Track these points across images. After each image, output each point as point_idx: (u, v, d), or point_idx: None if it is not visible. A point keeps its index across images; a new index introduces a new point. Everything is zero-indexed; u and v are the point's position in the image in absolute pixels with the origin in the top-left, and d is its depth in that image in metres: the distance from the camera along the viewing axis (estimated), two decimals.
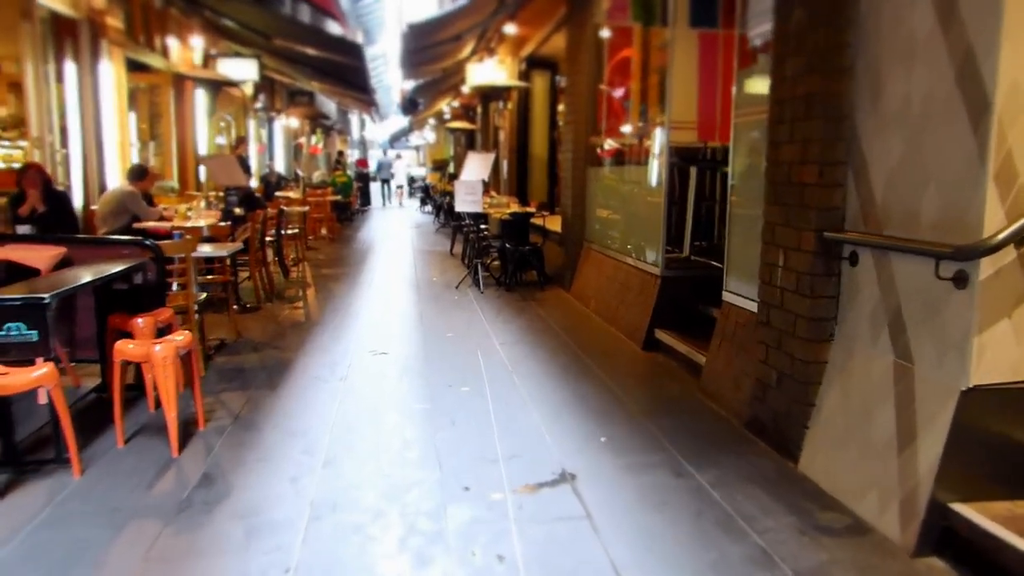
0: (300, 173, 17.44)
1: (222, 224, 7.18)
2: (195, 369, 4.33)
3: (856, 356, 3.23)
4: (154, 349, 3.93)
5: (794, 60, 3.57)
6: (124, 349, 4.05)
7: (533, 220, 9.15)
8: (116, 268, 4.73)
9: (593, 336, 6.57)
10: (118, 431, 4.09)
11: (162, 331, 4.89)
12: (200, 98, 13.67)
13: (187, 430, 4.25)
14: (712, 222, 7.04)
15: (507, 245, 8.86)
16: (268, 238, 10.12)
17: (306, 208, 12.26)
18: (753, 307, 4.18)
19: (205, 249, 5.81)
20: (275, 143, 21.70)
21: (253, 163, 18.45)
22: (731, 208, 4.72)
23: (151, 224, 8.05)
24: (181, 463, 3.83)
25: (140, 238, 5.30)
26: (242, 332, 6.69)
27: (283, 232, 10.66)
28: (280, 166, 21.11)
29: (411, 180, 34.22)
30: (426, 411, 4.54)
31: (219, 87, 12.20)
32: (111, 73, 9.28)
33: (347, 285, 9.47)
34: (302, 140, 21.79)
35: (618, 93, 7.47)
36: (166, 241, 5.43)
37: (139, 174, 8.33)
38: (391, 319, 7.42)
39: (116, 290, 5.18)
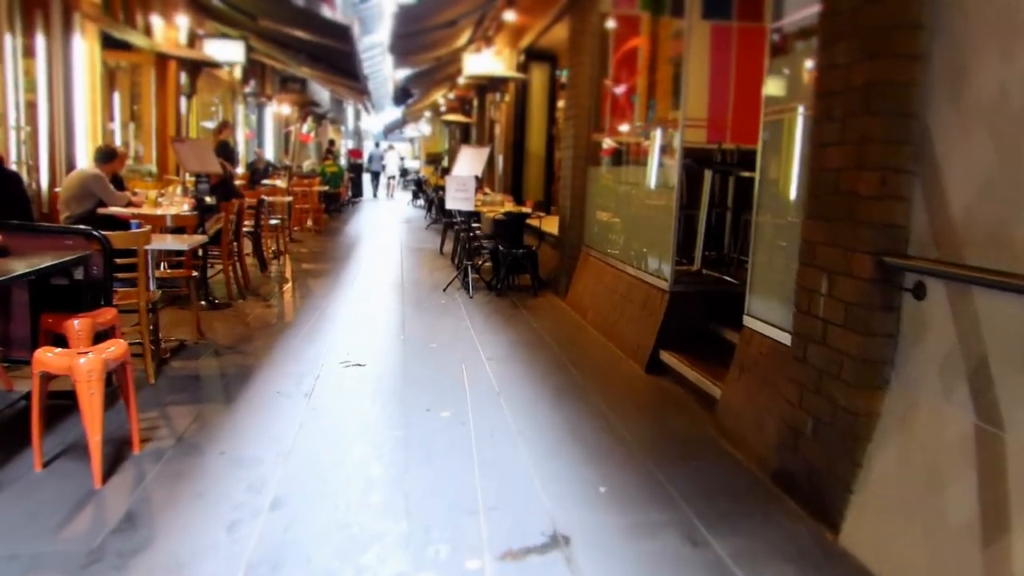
0: (286, 162, 16.77)
1: (188, 213, 6.56)
2: (129, 384, 3.72)
3: (921, 411, 2.64)
4: (77, 361, 3.32)
5: (848, 43, 2.97)
6: (43, 359, 3.43)
7: (528, 221, 8.56)
8: (52, 261, 4.15)
9: (590, 353, 5.98)
10: (35, 452, 3.49)
11: (103, 335, 4.30)
12: (184, 80, 13.05)
13: (120, 452, 3.65)
14: (723, 231, 6.48)
15: (500, 247, 8.26)
16: (246, 229, 9.53)
17: (289, 198, 11.62)
18: (781, 336, 3.60)
19: (162, 242, 5.19)
20: (265, 130, 21.04)
21: (240, 149, 17.87)
22: (757, 219, 4.13)
23: (117, 210, 7.43)
24: (103, 497, 3.22)
25: (87, 228, 4.68)
26: (205, 333, 6.08)
27: (262, 223, 10.06)
28: (270, 154, 20.46)
29: (404, 172, 33.61)
30: (399, 439, 3.94)
31: (199, 68, 11.52)
32: (84, 49, 8.64)
33: (327, 283, 8.85)
34: (292, 128, 21.13)
35: (623, 87, 6.89)
36: (116, 232, 4.82)
37: (106, 156, 7.69)
38: (371, 324, 6.81)
39: (55, 285, 4.60)
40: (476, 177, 8.31)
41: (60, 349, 3.56)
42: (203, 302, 7.22)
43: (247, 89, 17.79)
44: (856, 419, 2.85)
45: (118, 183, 8.15)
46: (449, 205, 8.21)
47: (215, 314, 6.89)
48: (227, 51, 12.56)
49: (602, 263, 6.92)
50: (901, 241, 2.77)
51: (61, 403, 3.89)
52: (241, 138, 17.41)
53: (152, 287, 5.47)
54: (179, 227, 7.81)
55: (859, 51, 2.90)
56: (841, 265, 2.97)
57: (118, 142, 11.87)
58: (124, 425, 3.77)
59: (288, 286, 8.64)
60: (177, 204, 8.04)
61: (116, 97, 12.23)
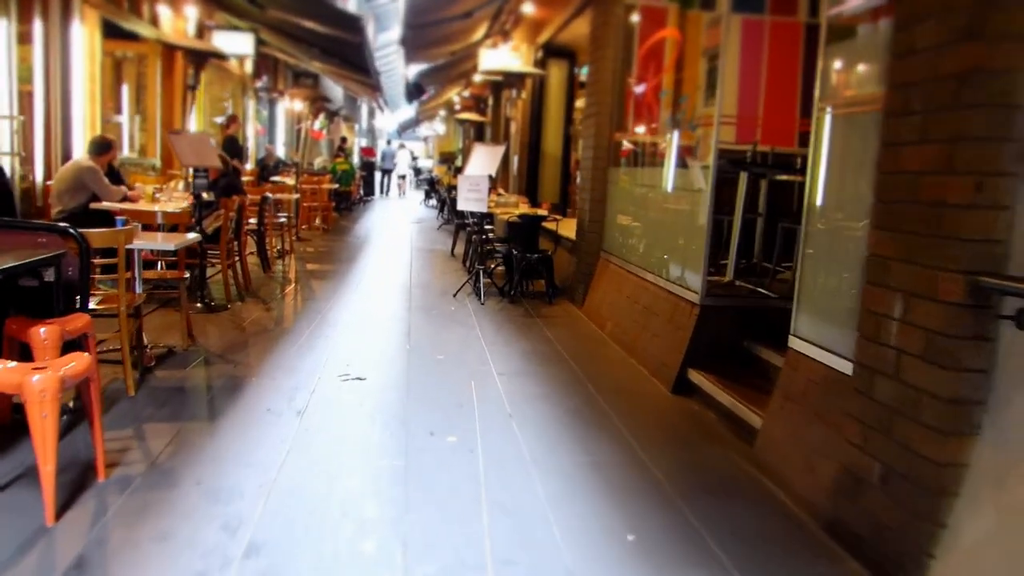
0: (295, 159, 16.39)
1: (179, 210, 6.15)
2: (94, 403, 3.30)
3: None
4: (29, 379, 2.90)
5: (935, 24, 2.51)
6: None
7: (544, 224, 8.12)
8: (17, 261, 3.74)
9: (610, 369, 5.53)
10: None
11: (75, 344, 3.89)
12: (189, 72, 12.68)
13: (83, 479, 3.23)
14: (754, 239, 6.02)
15: (513, 251, 7.82)
16: (249, 227, 9.13)
17: (296, 196, 11.22)
18: (839, 363, 3.13)
19: (146, 241, 4.77)
20: (277, 126, 20.69)
21: (250, 145, 17.51)
22: (807, 227, 3.65)
23: (111, 205, 7.04)
24: (53, 536, 2.80)
25: (63, 224, 4.28)
26: (197, 338, 5.68)
27: (267, 221, 9.66)
28: (281, 150, 20.10)
29: (417, 172, 33.22)
30: (398, 471, 3.49)
31: (204, 60, 11.13)
32: (83, 36, 8.26)
33: (332, 285, 8.43)
34: (304, 124, 20.77)
35: (648, 85, 6.44)
36: (95, 230, 4.41)
37: (101, 147, 7.30)
38: (375, 331, 6.38)
39: (25, 287, 4.19)
40: (490, 177, 7.88)
41: (14, 364, 3.15)
42: (199, 304, 6.83)
43: (258, 84, 17.44)
44: (939, 470, 2.38)
45: (114, 176, 7.79)
46: (461, 206, 7.77)
47: (211, 317, 6.49)
48: (236, 43, 12.18)
49: (623, 271, 6.47)
50: (1000, 259, 2.30)
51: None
52: (251, 133, 17.06)
53: (139, 289, 5.07)
54: (174, 225, 7.45)
55: (950, 33, 2.43)
56: (922, 286, 2.50)
57: (125, 135, 11.58)
58: (92, 446, 3.36)
59: (291, 288, 8.23)
60: (177, 200, 7.66)
61: (125, 89, 11.98)
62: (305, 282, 8.63)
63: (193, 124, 12.45)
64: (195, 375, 4.84)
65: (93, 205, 7.05)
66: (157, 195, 7.80)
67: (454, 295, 7.92)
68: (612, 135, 7.09)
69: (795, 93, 6.71)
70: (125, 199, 7.52)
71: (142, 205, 7.46)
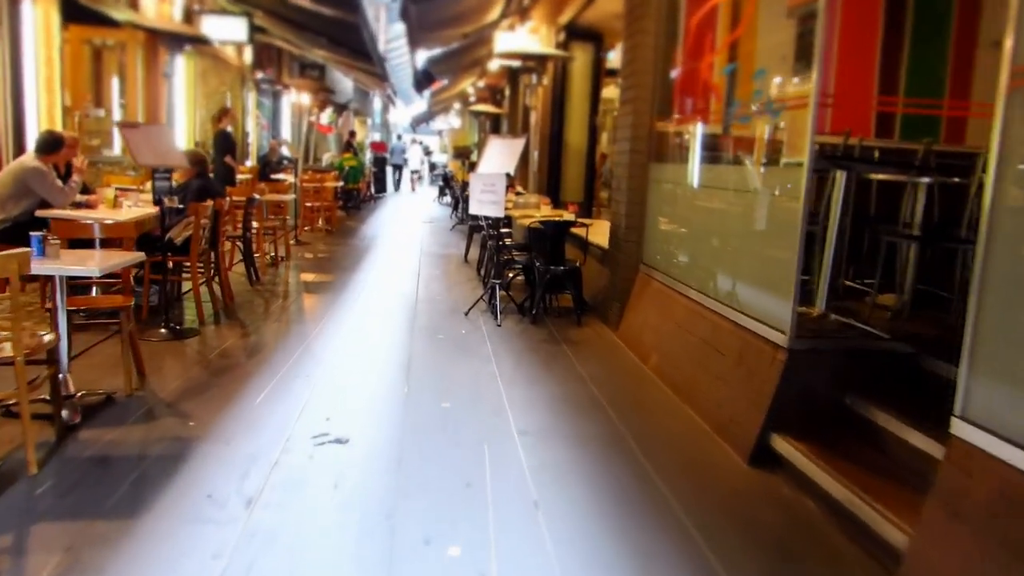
0: (293, 156, 15.32)
1: (122, 221, 5.03)
2: None
3: None
4: None
5: None
6: None
7: (572, 230, 6.96)
8: None
9: (662, 423, 4.35)
10: None
11: None
12: (180, 62, 11.64)
13: None
14: (859, 254, 4.87)
15: (536, 262, 6.66)
16: (232, 234, 8.05)
17: (291, 196, 10.11)
18: None
19: (58, 266, 3.67)
20: (282, 120, 19.63)
21: (251, 140, 16.47)
22: (986, 254, 2.48)
23: (62, 212, 5.98)
24: None
25: None
26: (149, 377, 4.60)
27: (256, 226, 8.57)
28: (286, 145, 19.05)
29: (431, 167, 32.14)
30: None
31: (180, 44, 10.03)
32: (36, 17, 7.22)
33: (326, 301, 7.32)
34: (312, 118, 19.73)
35: (704, 59, 5.25)
36: None
37: (49, 145, 6.20)
38: (367, 367, 5.24)
39: None
40: (507, 175, 6.73)
41: None
42: (163, 330, 5.75)
43: (259, 75, 16.38)
44: None
45: (68, 178, 6.73)
46: (474, 210, 6.62)
47: (174, 347, 5.40)
48: (228, 29, 11.10)
49: (671, 291, 5.30)
50: None
51: None
52: (251, 127, 16.01)
53: (62, 325, 3.98)
54: (150, 236, 6.37)
55: None
56: None
57: (115, 136, 10.55)
58: None
59: (278, 304, 7.12)
60: (146, 205, 6.60)
61: (114, 81, 10.95)
62: (296, 297, 7.52)
63: (181, 118, 11.43)
64: (128, 438, 3.74)
65: (41, 212, 6.00)
66: (122, 200, 6.74)
67: (466, 313, 6.78)
68: (653, 124, 5.92)
69: (873, 67, 5.54)
70: (85, 205, 6.48)
71: (102, 211, 6.40)
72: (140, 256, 4.30)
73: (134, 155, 5.25)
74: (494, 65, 12.62)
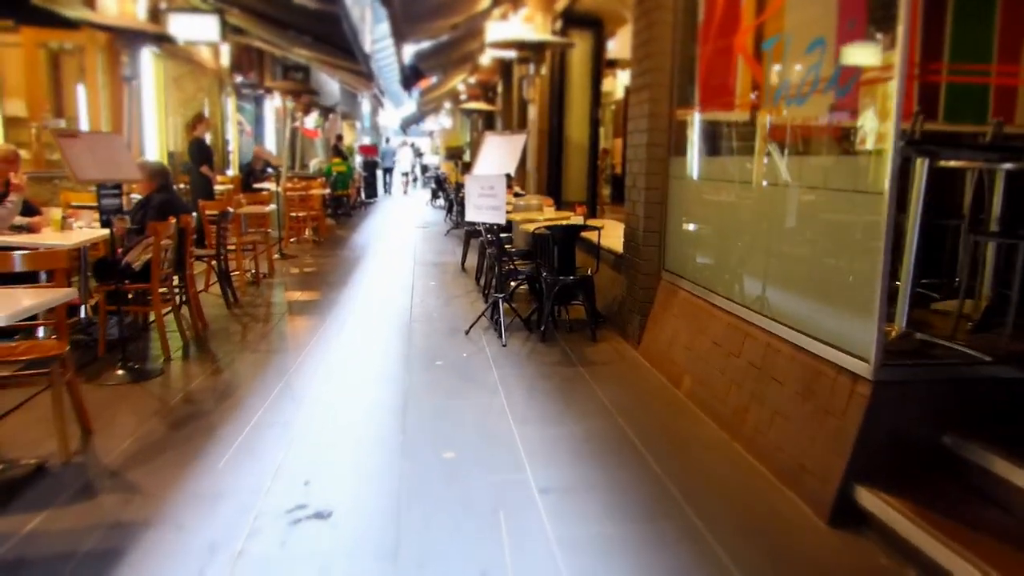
0: (274, 164, 14.56)
1: (50, 248, 4.28)
2: None
3: None
4: None
5: None
6: None
7: (583, 234, 6.22)
8: None
9: (709, 469, 3.60)
10: None
11: None
12: (147, 63, 10.86)
13: None
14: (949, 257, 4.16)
15: (543, 272, 5.94)
16: (202, 253, 7.30)
17: (270, 208, 9.35)
18: None
19: None
20: (265, 125, 18.85)
21: (231, 148, 15.69)
22: None
23: None
24: None
25: None
26: (94, 435, 3.87)
27: (231, 243, 7.82)
28: (273, 151, 18.26)
29: (423, 169, 31.38)
30: None
31: (138, 42, 9.24)
32: None
33: (311, 324, 6.57)
34: (297, 123, 18.96)
35: (739, 35, 4.52)
36: None
37: None
38: (356, 409, 4.47)
39: None
40: (508, 176, 5.99)
41: None
42: (120, 371, 5.02)
43: (239, 79, 15.61)
44: None
45: (27, 207, 5.99)
46: (471, 216, 5.89)
47: (132, 391, 4.66)
48: (198, 28, 10.31)
49: (704, 304, 4.57)
50: None
51: None
52: (231, 135, 15.23)
53: None
54: (111, 261, 5.63)
55: None
56: None
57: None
58: None
59: (257, 331, 6.37)
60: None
61: (81, 88, 10.17)
62: (277, 321, 6.77)
63: (151, 126, 10.66)
64: (55, 526, 3.00)
65: None
66: (71, 220, 6.00)
67: (466, 332, 6.06)
68: (673, 113, 5.19)
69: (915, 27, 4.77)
70: (25, 229, 5.73)
71: (47, 235, 5.66)
72: (65, 294, 3.55)
73: (73, 170, 4.50)
74: (486, 59, 11.88)
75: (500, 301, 5.93)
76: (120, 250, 5.55)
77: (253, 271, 8.58)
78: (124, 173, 5.05)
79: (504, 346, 5.67)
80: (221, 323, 6.51)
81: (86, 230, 5.74)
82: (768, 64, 3.82)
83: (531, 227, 6.22)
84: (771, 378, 3.54)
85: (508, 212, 6.72)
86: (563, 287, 5.96)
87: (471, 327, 6.12)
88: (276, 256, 10.17)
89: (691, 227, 5.05)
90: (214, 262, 7.29)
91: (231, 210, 7.45)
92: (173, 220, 5.66)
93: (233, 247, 8.03)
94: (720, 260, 4.62)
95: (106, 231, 5.21)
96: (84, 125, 9.40)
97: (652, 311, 5.39)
